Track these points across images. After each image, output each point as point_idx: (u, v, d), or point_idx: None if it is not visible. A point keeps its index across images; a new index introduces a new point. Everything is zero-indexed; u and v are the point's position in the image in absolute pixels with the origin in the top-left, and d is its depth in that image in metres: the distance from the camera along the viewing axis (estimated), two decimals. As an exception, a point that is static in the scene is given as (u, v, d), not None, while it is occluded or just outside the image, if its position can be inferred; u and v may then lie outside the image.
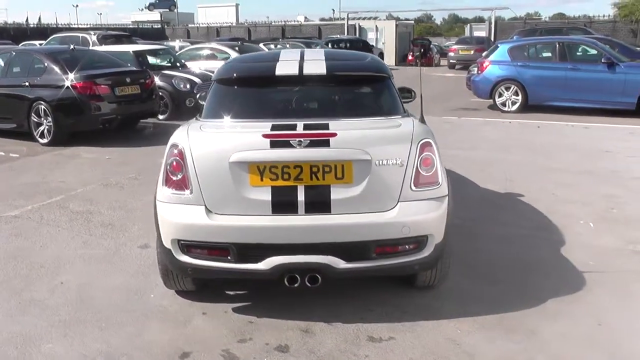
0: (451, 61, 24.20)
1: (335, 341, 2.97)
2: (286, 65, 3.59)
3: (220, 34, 30.08)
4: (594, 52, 10.17)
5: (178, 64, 11.51)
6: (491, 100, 11.13)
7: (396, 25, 33.74)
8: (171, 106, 10.16)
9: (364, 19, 35.09)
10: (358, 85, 3.70)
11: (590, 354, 2.86)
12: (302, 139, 2.95)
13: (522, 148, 7.65)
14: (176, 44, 17.89)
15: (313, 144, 2.96)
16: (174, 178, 3.08)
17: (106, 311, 3.32)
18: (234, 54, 12.75)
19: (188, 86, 10.33)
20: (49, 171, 6.69)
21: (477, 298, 3.42)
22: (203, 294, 3.45)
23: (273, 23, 35.10)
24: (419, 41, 35.32)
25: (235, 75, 3.67)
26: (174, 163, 3.08)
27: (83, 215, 5.03)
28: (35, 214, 5.10)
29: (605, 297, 3.42)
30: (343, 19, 34.64)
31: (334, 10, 54.52)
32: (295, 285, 2.98)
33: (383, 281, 3.55)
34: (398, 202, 3.02)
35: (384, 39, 32.11)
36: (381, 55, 26.49)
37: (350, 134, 3.03)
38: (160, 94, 9.56)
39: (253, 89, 3.66)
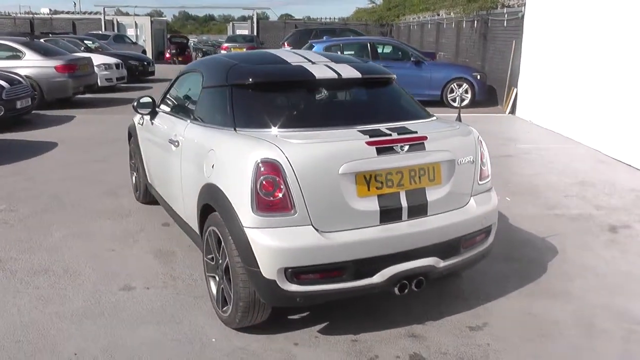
0: (223, 59, 24.30)
1: (448, 338, 3.03)
2: (318, 68, 3.41)
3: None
4: (400, 51, 11.64)
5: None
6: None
7: (151, 22, 32.42)
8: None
9: (123, 14, 32.73)
10: (383, 87, 3.70)
11: (619, 299, 3.52)
12: (403, 144, 2.92)
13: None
14: None
15: (412, 149, 2.95)
16: (270, 199, 2.71)
17: (176, 371, 2.74)
18: (26, 51, 10.82)
19: (-12, 92, 8.44)
20: None
21: (502, 276, 3.84)
22: (262, 326, 3.06)
23: (18, 15, 30.11)
24: (176, 39, 34.65)
25: (263, 79, 3.30)
26: (265, 182, 2.71)
27: (-3, 266, 3.87)
28: None
29: (578, 255, 4.19)
30: (98, 13, 31.61)
31: (75, 4, 48.77)
32: (405, 292, 2.95)
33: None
34: (471, 196, 3.23)
35: (144, 36, 30.53)
36: (144, 52, 25.25)
37: (437, 136, 3.10)
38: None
39: (291, 94, 3.38)
